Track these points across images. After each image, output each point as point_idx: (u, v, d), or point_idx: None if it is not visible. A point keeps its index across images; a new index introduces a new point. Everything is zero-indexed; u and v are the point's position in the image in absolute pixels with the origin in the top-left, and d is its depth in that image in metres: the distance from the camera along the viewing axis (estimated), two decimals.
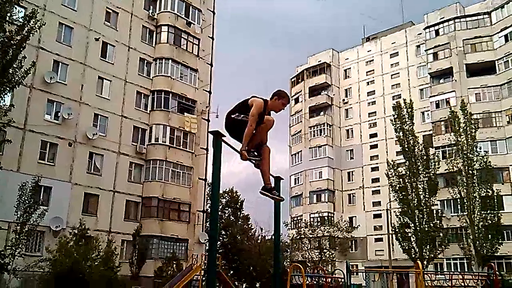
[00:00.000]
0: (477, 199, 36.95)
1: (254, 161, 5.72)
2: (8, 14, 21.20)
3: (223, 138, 5.16)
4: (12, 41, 20.81)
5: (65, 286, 22.40)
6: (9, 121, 22.90)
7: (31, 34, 22.10)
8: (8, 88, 21.21)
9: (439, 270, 40.66)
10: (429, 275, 20.37)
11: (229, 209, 54.29)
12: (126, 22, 36.31)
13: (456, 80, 49.19)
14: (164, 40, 37.93)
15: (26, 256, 24.62)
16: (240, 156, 5.44)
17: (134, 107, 35.65)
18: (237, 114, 5.48)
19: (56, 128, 30.53)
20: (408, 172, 38.16)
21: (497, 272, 19.72)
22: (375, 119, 57.99)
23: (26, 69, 21.55)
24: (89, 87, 32.96)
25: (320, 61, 62.86)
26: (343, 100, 61.73)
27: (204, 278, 28.11)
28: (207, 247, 34.40)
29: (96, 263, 24.54)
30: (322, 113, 60.92)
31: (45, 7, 30.96)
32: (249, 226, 54.56)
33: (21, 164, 28.15)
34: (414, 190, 37.45)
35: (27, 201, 23.22)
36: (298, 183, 60.24)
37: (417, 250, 36.33)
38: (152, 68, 37.41)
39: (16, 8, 23.01)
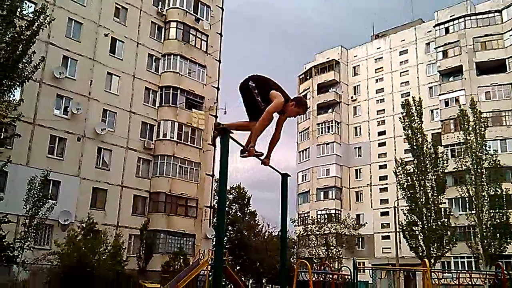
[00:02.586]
0: (486, 198, 36.71)
1: (260, 157, 5.63)
2: (18, 10, 21.36)
3: (230, 134, 5.14)
4: (22, 36, 20.95)
5: (73, 279, 22.62)
6: (19, 115, 23.20)
7: (40, 30, 22.24)
8: (17, 83, 21.39)
9: (446, 268, 40.49)
10: (436, 273, 20.33)
11: (236, 205, 54.55)
12: (135, 18, 36.42)
13: (465, 78, 48.78)
14: (173, 36, 38.01)
15: (35, 249, 24.81)
16: (243, 152, 5.37)
17: (143, 103, 35.79)
18: (254, 86, 5.32)
19: (65, 123, 30.73)
20: (416, 170, 37.98)
21: (505, 271, 19.63)
22: (383, 117, 57.70)
23: (35, 64, 21.69)
24: (98, 83, 33.13)
25: (329, 58, 62.58)
26: (352, 97, 61.45)
27: (210, 273, 28.22)
28: (214, 243, 34.53)
29: (104, 257, 24.68)
30: (330, 110, 60.69)
31: (55, 3, 31.10)
32: (256, 222, 54.81)
33: (30, 158, 28.37)
34: (422, 188, 37.28)
35: (36, 195, 23.49)
36: (305, 180, 60.15)
37: (424, 248, 36.20)
38: (161, 64, 37.51)
39: (26, 3, 23.22)
